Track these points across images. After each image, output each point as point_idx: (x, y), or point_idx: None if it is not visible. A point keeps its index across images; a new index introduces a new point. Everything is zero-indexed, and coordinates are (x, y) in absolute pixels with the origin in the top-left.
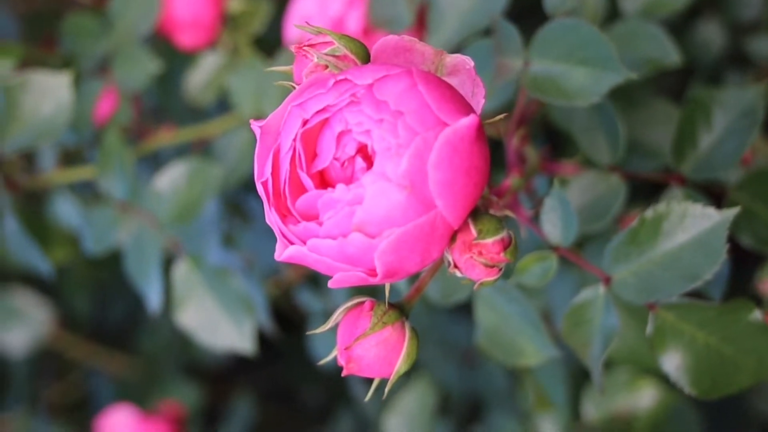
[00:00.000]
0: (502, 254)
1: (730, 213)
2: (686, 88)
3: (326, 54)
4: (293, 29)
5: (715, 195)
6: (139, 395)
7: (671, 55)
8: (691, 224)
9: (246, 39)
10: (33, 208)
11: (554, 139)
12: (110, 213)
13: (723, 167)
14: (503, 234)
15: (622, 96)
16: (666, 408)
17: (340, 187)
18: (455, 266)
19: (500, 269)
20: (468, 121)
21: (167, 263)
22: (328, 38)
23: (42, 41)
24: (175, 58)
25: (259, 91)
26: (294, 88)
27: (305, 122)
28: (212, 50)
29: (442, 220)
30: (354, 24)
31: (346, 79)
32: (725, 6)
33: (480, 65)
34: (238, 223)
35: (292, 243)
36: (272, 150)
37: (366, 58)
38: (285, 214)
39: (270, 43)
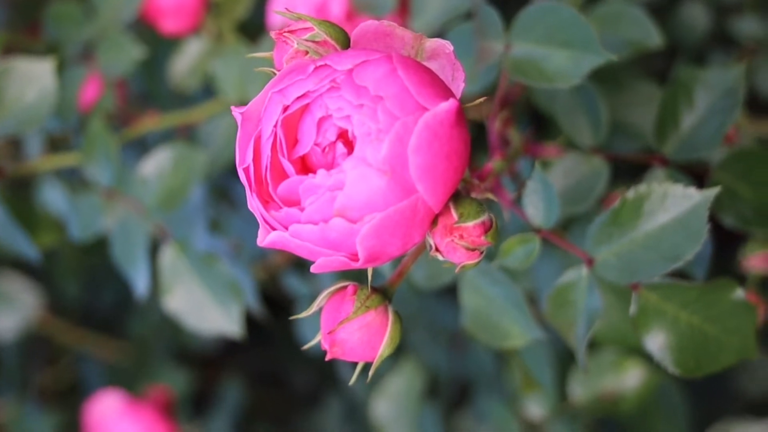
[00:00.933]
0: (482, 237)
1: (711, 193)
2: (672, 70)
3: (306, 40)
4: (276, 15)
5: (697, 175)
6: (129, 380)
7: (653, 37)
8: (672, 205)
9: (230, 24)
10: (20, 193)
11: (539, 121)
12: (96, 200)
13: (705, 147)
14: (484, 217)
15: (608, 78)
16: (652, 388)
17: (321, 173)
18: (437, 249)
19: (481, 252)
20: (447, 106)
21: (154, 248)
22: (308, 24)
23: (28, 28)
24: (160, 44)
25: (243, 76)
26: (274, 74)
27: (286, 108)
28: (196, 36)
29: (422, 204)
30: (337, 9)
31: (325, 65)
32: None
33: (463, 49)
34: (225, 208)
35: (274, 229)
36: (253, 136)
37: (346, 43)
38: (267, 200)
39: (254, 29)
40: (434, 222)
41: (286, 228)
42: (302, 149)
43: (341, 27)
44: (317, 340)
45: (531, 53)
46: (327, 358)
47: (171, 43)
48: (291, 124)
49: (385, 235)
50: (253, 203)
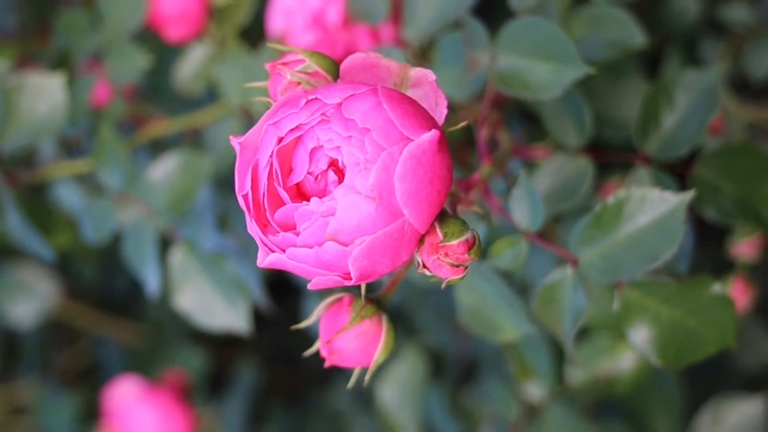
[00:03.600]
0: (466, 255)
1: (686, 196)
2: (664, 56)
3: (298, 71)
4: (275, 22)
5: (679, 171)
6: (146, 362)
7: (637, 37)
8: (650, 208)
9: (232, 30)
10: (35, 193)
11: (530, 119)
12: (108, 204)
13: (686, 146)
14: (467, 235)
15: (598, 72)
16: (646, 369)
17: (314, 200)
18: (424, 266)
19: (466, 267)
20: (429, 136)
21: (165, 246)
22: (300, 56)
23: (39, 32)
24: (166, 49)
25: (245, 81)
26: (270, 104)
27: (280, 140)
28: (200, 42)
29: (409, 226)
30: (333, 16)
31: (316, 99)
32: None
33: (453, 57)
34: (233, 203)
35: (272, 251)
36: (251, 165)
37: (336, 73)
38: (265, 225)
39: (255, 34)
40: (421, 241)
41: (284, 251)
42: (296, 177)
43: (330, 58)
44: (316, 347)
45: (515, 65)
46: (326, 365)
47: (176, 46)
48: (285, 154)
49: (376, 256)
50: (253, 228)
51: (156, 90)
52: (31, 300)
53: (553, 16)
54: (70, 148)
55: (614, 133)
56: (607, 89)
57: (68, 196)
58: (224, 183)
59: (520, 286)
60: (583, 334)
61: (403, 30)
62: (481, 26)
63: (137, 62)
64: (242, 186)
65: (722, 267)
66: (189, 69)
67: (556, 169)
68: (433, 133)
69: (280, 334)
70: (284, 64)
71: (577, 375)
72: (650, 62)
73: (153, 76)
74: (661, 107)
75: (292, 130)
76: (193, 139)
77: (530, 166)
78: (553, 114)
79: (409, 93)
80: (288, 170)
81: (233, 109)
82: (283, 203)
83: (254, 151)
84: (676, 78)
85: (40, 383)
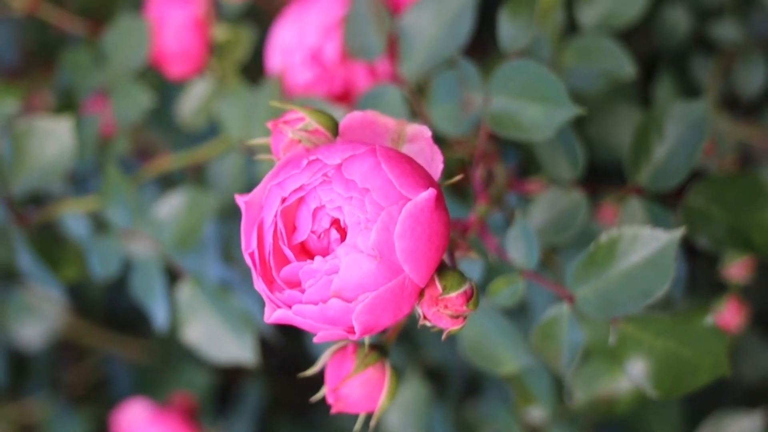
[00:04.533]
0: (464, 306)
1: (677, 234)
2: (654, 73)
3: (299, 129)
4: (274, 60)
5: (672, 201)
6: (154, 378)
7: (626, 67)
8: (642, 246)
9: (232, 66)
10: (44, 226)
11: (526, 148)
12: (114, 241)
13: (676, 177)
14: (465, 287)
15: (593, 103)
16: None
17: (318, 259)
18: (425, 318)
19: (465, 317)
20: (427, 195)
21: (171, 277)
22: (300, 114)
23: (42, 63)
24: (168, 84)
25: (246, 116)
26: (274, 162)
27: (284, 200)
28: (201, 78)
29: (409, 281)
30: (331, 53)
31: (317, 159)
32: None
33: (448, 94)
34: (236, 231)
35: (279, 307)
36: (256, 223)
37: (335, 129)
38: (271, 281)
39: (255, 70)
40: (421, 294)
41: (290, 307)
42: (300, 236)
43: (330, 115)
44: (322, 394)
45: (508, 107)
46: (332, 412)
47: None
48: (289, 213)
49: (378, 311)
50: (259, 285)
51: (161, 121)
52: (39, 322)
53: (546, 52)
54: (76, 181)
55: (608, 155)
56: (600, 113)
57: (77, 227)
58: (227, 213)
59: (519, 306)
60: (583, 356)
61: (398, 66)
62: (473, 68)
63: (141, 101)
64: (248, 244)
65: (718, 284)
66: (191, 104)
67: (551, 203)
68: (430, 192)
69: (287, 346)
70: (285, 122)
71: (577, 397)
72: (644, 74)
73: (157, 109)
74: (651, 138)
75: (295, 190)
76: (198, 172)
77: (525, 199)
78: (546, 150)
79: (406, 148)
80: (292, 228)
81: (235, 144)
82: (288, 261)
83: (259, 209)
84: (665, 109)
85: (49, 401)
